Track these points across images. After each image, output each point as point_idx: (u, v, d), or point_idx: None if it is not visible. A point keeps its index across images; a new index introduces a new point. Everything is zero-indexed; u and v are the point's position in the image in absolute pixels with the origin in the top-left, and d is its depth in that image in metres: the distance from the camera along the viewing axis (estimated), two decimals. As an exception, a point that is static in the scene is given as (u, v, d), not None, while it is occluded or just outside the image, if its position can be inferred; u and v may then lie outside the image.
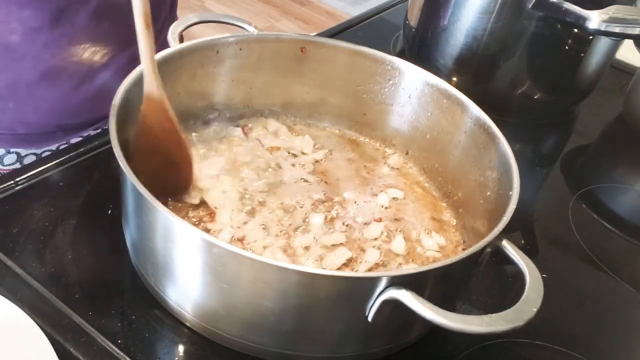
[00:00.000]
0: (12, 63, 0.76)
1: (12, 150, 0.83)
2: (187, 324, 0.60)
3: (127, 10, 0.76)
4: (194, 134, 0.76)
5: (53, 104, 0.81)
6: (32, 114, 0.81)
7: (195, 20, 0.75)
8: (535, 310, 0.51)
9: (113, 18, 0.80)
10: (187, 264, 0.56)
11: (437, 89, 0.74)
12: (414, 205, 0.74)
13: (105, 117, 0.87)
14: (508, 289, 0.71)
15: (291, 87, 0.80)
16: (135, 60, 0.84)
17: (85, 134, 0.88)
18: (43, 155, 0.85)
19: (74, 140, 0.87)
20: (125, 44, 0.84)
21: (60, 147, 0.86)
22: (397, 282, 0.51)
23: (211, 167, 0.72)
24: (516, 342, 0.66)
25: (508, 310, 0.51)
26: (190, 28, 0.75)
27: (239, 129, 0.79)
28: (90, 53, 0.80)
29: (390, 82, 0.77)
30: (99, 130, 0.89)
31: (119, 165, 0.55)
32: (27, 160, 0.85)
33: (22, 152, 0.84)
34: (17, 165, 0.85)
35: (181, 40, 0.73)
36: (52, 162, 0.75)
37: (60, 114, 0.83)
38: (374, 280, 0.51)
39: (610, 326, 0.72)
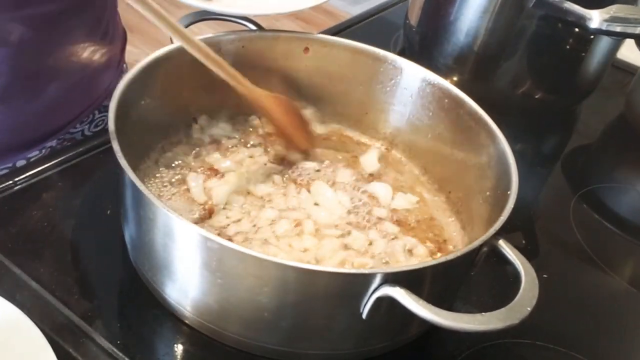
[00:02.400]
0: None
1: None
2: (187, 322, 0.60)
3: (67, 21, 0.74)
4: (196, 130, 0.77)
5: (4, 122, 0.79)
6: None
7: (200, 17, 0.75)
8: (529, 309, 0.51)
9: (53, 31, 0.78)
10: (185, 261, 0.56)
11: (438, 88, 0.74)
12: (414, 205, 0.74)
13: (62, 128, 0.86)
14: (509, 288, 0.70)
15: (293, 85, 0.80)
16: (83, 69, 0.83)
17: (41, 146, 0.85)
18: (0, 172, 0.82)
19: (30, 154, 0.84)
20: (68, 57, 0.82)
21: (17, 163, 0.83)
22: (391, 279, 0.51)
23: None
24: (517, 342, 0.66)
25: (502, 309, 0.51)
26: (190, 27, 0.74)
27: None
28: (38, 69, 0.78)
29: (392, 81, 0.77)
30: (54, 142, 0.86)
31: (118, 163, 0.55)
32: None
33: None
34: None
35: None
36: (52, 162, 0.75)
37: (10, 133, 0.81)
38: (368, 277, 0.51)
39: (611, 326, 0.72)
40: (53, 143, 0.87)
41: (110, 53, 0.90)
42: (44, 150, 0.86)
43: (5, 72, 0.75)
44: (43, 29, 0.76)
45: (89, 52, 0.84)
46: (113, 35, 0.91)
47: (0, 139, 0.81)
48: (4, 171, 0.82)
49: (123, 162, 0.55)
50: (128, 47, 0.98)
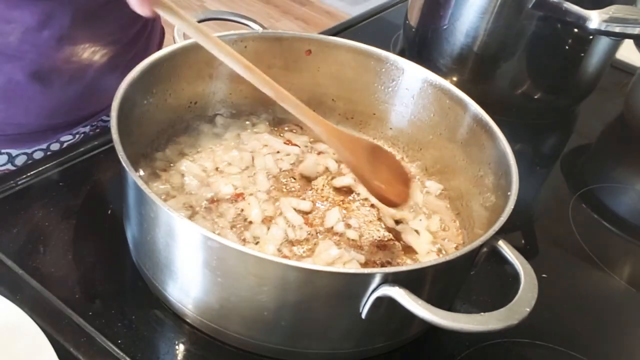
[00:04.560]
0: (0, 65, 0.77)
1: (3, 151, 0.83)
2: (188, 321, 0.61)
3: (111, 11, 0.77)
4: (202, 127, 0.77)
5: (43, 104, 0.82)
6: (22, 115, 0.81)
7: (202, 17, 0.75)
8: (528, 310, 0.51)
9: (98, 19, 0.81)
10: (186, 260, 0.56)
11: (439, 88, 0.74)
12: (415, 205, 0.74)
13: (94, 114, 0.89)
14: (509, 289, 0.70)
15: (295, 85, 0.80)
16: (120, 56, 0.85)
17: (75, 131, 0.88)
18: (34, 154, 0.85)
19: (63, 139, 0.87)
20: (112, 42, 0.84)
21: (51, 146, 0.86)
22: (390, 279, 0.51)
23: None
24: (516, 342, 0.66)
25: (501, 310, 0.51)
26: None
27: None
28: (78, 52, 0.81)
29: (394, 82, 0.77)
30: (87, 128, 0.89)
31: (120, 163, 0.55)
32: (18, 161, 0.85)
33: (14, 152, 0.84)
34: (9, 166, 0.85)
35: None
36: (52, 162, 0.75)
37: (50, 114, 0.83)
38: (368, 277, 0.51)
39: (610, 326, 0.72)
40: (86, 129, 0.89)
41: (147, 45, 0.92)
42: (77, 136, 0.89)
43: (47, 53, 0.77)
44: (88, 17, 0.79)
45: (127, 42, 0.87)
46: (152, 29, 0.94)
47: (38, 120, 0.83)
48: (39, 153, 0.86)
49: (125, 161, 0.55)
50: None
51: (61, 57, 0.79)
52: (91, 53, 0.82)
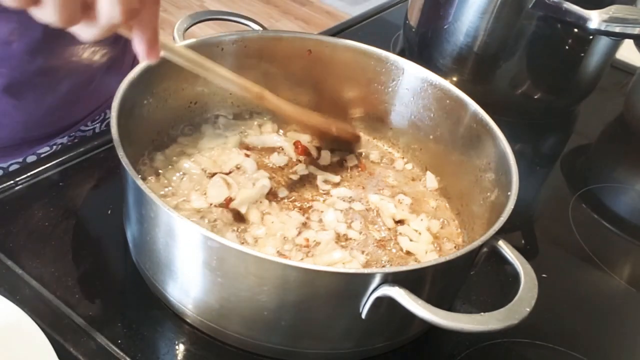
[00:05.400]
0: None
1: None
2: (188, 321, 0.61)
3: None
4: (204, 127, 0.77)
5: (17, 118, 0.80)
6: None
7: (203, 17, 0.75)
8: (528, 310, 0.51)
9: (71, 33, 0.79)
10: (186, 260, 0.56)
11: (440, 88, 0.74)
12: (416, 205, 0.74)
13: (72, 126, 0.87)
14: (509, 288, 0.71)
15: (295, 86, 0.80)
16: (94, 69, 0.84)
17: (52, 142, 0.86)
18: (10, 168, 0.83)
19: (40, 150, 0.85)
20: (82, 55, 0.82)
21: (27, 158, 0.84)
22: (390, 279, 0.51)
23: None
24: (516, 341, 0.66)
25: (501, 309, 0.51)
26: (190, 28, 0.75)
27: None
28: (52, 66, 0.79)
29: (394, 82, 0.77)
30: (64, 139, 0.87)
31: (120, 163, 0.55)
32: None
33: None
34: None
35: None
36: (52, 162, 0.75)
37: (24, 127, 0.81)
38: (368, 277, 0.51)
39: (610, 325, 0.72)
40: (64, 140, 0.88)
41: (125, 54, 0.90)
42: (54, 147, 0.87)
43: (19, 67, 0.76)
44: (61, 30, 0.77)
45: (103, 52, 0.85)
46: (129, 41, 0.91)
47: (13, 133, 0.81)
48: (15, 166, 0.83)
49: (125, 161, 0.55)
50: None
51: (34, 71, 0.77)
52: (65, 66, 0.81)
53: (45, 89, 0.80)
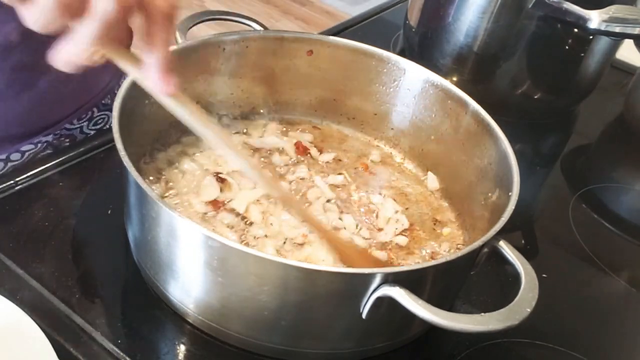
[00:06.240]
0: None
1: None
2: (189, 321, 0.60)
3: None
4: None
5: None
6: None
7: (204, 17, 0.75)
8: (529, 310, 0.51)
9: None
10: (187, 259, 0.56)
11: (441, 89, 0.74)
12: (416, 205, 0.74)
13: (55, 124, 0.85)
14: (509, 288, 0.71)
15: (296, 86, 0.80)
16: None
17: (36, 140, 0.85)
18: None
19: (24, 148, 0.84)
20: None
21: (11, 155, 0.83)
22: (391, 279, 0.51)
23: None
24: (516, 341, 0.66)
25: (502, 310, 0.51)
26: (192, 28, 0.75)
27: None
28: (28, 61, 0.77)
29: (395, 82, 0.77)
30: (50, 137, 0.86)
31: (121, 163, 0.55)
32: None
33: None
34: None
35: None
36: (52, 162, 0.75)
37: (3, 124, 0.80)
38: (368, 277, 0.51)
39: (610, 326, 0.72)
40: (49, 138, 0.86)
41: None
42: (39, 145, 0.86)
43: None
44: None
45: None
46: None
47: None
48: None
49: (126, 161, 0.55)
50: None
51: (10, 67, 0.76)
52: (43, 61, 0.80)
53: (22, 86, 0.79)
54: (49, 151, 0.85)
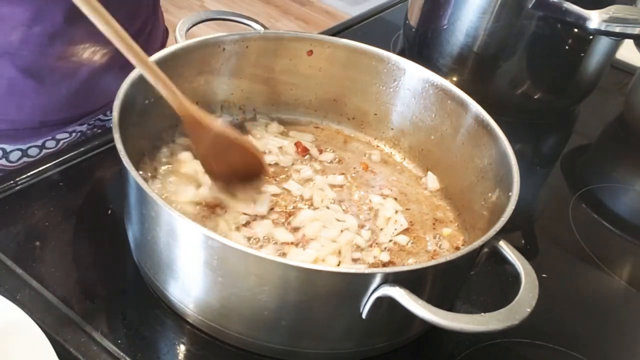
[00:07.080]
0: None
1: None
2: (189, 320, 0.61)
3: (107, 8, 0.76)
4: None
5: (36, 101, 0.81)
6: (14, 111, 0.81)
7: (204, 17, 0.76)
8: (529, 310, 0.51)
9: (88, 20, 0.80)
10: (187, 259, 0.56)
11: (441, 89, 0.74)
12: (416, 205, 0.74)
13: (90, 113, 0.88)
14: (509, 288, 0.71)
15: (296, 86, 0.80)
16: (116, 55, 0.85)
17: (71, 129, 0.88)
18: (29, 150, 0.85)
19: (60, 136, 0.87)
20: (106, 40, 0.83)
21: (46, 142, 0.86)
22: (391, 279, 0.51)
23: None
24: (516, 342, 0.66)
25: (502, 310, 0.51)
26: (191, 28, 0.75)
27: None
28: (71, 50, 0.80)
29: (395, 82, 0.77)
30: (84, 127, 0.89)
31: (121, 162, 0.55)
32: (12, 156, 0.85)
33: (8, 148, 0.84)
34: (4, 161, 0.85)
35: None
36: (52, 162, 0.75)
37: (43, 111, 0.83)
38: (368, 277, 0.51)
39: (610, 326, 0.72)
40: (83, 128, 0.89)
41: (148, 45, 0.91)
42: (73, 134, 0.88)
43: (39, 50, 0.77)
44: (81, 14, 0.78)
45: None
46: (151, 32, 0.93)
47: (32, 116, 0.83)
48: (34, 149, 0.85)
49: (126, 160, 0.55)
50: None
51: (54, 54, 0.78)
52: (85, 51, 0.82)
53: (64, 74, 0.81)
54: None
